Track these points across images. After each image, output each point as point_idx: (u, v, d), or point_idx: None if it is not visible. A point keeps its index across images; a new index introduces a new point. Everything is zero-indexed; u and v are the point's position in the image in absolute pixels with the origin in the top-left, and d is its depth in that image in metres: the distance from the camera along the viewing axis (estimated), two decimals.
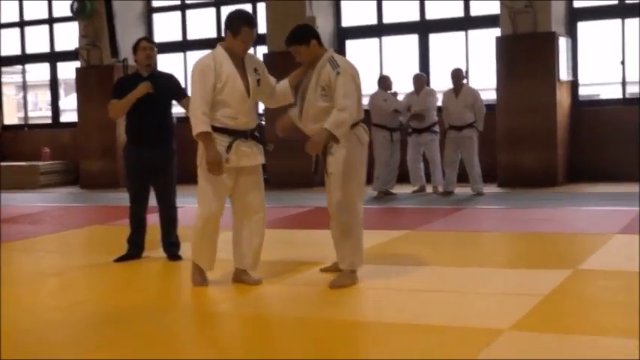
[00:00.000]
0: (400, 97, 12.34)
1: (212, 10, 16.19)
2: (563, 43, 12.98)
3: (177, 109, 7.82)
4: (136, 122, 7.41)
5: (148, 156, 7.34)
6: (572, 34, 13.49)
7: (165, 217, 7.50)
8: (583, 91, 14.12)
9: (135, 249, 7.55)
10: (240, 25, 6.03)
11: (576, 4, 13.58)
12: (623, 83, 13.56)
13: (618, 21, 13.33)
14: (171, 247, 7.48)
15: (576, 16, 13.58)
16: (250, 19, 6.16)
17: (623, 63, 13.40)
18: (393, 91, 12.28)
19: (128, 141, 7.55)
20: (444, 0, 14.53)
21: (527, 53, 12.84)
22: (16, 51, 18.53)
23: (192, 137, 6.05)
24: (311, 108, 6.12)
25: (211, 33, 16.07)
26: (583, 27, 13.68)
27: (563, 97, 13.02)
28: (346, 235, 6.15)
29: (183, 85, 7.83)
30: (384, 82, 12.40)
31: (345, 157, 6.06)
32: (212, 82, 5.97)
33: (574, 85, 13.57)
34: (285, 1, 14.19)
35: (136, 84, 7.35)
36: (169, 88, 7.45)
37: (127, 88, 7.38)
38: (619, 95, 13.75)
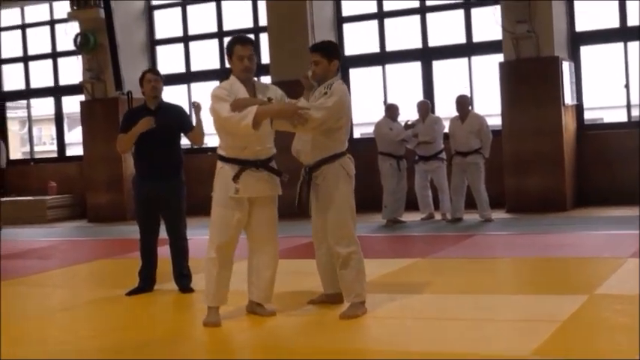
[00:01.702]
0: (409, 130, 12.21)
1: (215, 42, 16.21)
2: (566, 67, 12.96)
3: (185, 141, 7.78)
4: (144, 155, 7.39)
5: (157, 188, 7.31)
6: (574, 58, 13.47)
7: (175, 249, 7.44)
8: (587, 115, 14.07)
9: (146, 282, 7.48)
10: (231, 46, 6.08)
11: (578, 28, 13.56)
12: (628, 106, 13.52)
13: (620, 44, 13.31)
14: (183, 279, 7.41)
15: (579, 40, 13.56)
16: (241, 37, 6.21)
17: (627, 86, 13.37)
18: (410, 121, 12.21)
19: (137, 173, 7.52)
20: (446, 27, 14.54)
21: (531, 78, 12.82)
22: (20, 86, 18.52)
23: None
24: None
25: (215, 64, 16.08)
26: (586, 51, 13.67)
27: (568, 122, 12.98)
28: (349, 267, 6.08)
29: (189, 117, 7.81)
30: (391, 110, 12.37)
31: (338, 189, 6.04)
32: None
33: (579, 109, 13.53)
34: (288, 31, 14.21)
35: (143, 117, 7.34)
36: (176, 120, 7.42)
37: (134, 122, 7.37)
38: (624, 118, 13.70)
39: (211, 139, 7.29)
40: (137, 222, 7.54)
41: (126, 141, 7.35)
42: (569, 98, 13.01)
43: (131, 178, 7.71)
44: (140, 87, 7.50)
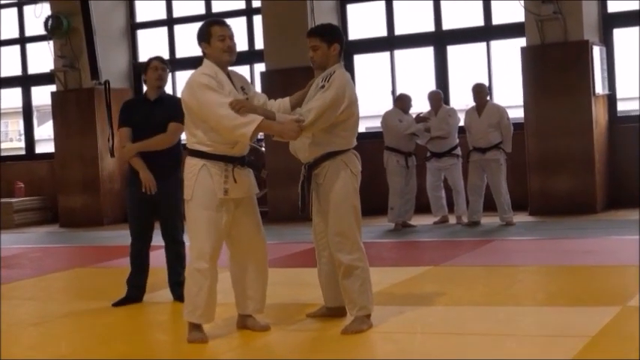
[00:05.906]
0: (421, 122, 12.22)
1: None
2: (597, 52, 12.98)
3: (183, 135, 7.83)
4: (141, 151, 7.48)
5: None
6: (606, 42, 13.49)
7: (171, 254, 7.54)
8: (620, 107, 14.09)
9: (135, 291, 7.56)
10: (207, 28, 6.16)
11: (611, 9, 13.57)
12: None
13: None
14: (179, 286, 7.44)
15: (611, 22, 13.58)
16: (216, 19, 6.32)
17: None
18: (423, 113, 12.22)
19: (131, 171, 7.59)
20: (462, 8, 14.56)
21: (558, 65, 12.83)
22: None
23: None
24: None
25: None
26: (619, 34, 13.68)
27: (599, 114, 13.01)
28: (352, 276, 6.10)
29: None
30: (403, 101, 12.40)
31: (340, 189, 6.07)
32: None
33: (611, 99, 13.56)
34: (284, 14, 14.20)
35: (143, 109, 7.49)
36: (171, 112, 7.45)
37: (135, 114, 7.51)
38: None
39: None
40: (129, 225, 7.64)
41: (131, 150, 7.44)
42: (600, 87, 13.04)
43: (126, 177, 7.74)
44: (143, 74, 7.62)
